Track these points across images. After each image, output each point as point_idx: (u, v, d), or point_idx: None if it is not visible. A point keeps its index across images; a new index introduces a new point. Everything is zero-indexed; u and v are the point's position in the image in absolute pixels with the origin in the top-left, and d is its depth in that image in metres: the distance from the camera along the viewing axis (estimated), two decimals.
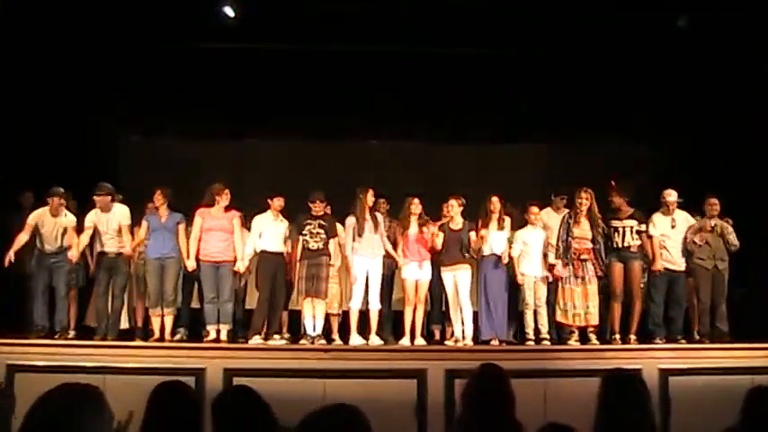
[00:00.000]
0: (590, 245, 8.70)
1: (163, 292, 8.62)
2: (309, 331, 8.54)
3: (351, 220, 8.82)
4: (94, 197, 8.59)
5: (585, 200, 8.72)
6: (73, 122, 10.46)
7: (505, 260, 8.79)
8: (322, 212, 8.78)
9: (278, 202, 8.93)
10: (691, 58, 10.19)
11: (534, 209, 9.05)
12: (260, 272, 9.06)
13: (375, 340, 8.71)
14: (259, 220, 8.94)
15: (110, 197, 8.64)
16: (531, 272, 8.97)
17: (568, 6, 9.59)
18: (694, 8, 9.62)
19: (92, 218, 8.63)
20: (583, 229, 8.73)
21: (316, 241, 8.67)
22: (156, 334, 8.60)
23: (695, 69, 10.33)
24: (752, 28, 9.47)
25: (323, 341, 8.53)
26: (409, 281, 8.90)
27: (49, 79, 9.99)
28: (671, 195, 9.00)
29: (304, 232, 8.68)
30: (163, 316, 8.62)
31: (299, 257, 8.70)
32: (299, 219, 8.81)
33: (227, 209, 8.71)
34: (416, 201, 8.99)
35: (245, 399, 3.19)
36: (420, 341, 8.85)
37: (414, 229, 8.94)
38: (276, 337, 8.69)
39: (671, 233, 8.96)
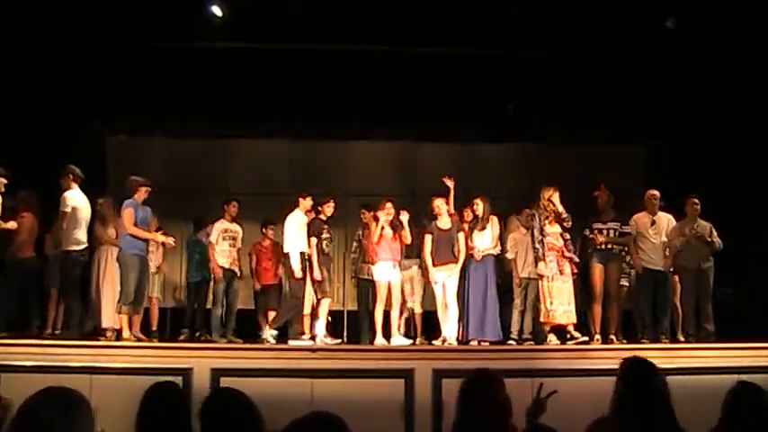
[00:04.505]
0: (562, 241, 8.73)
1: (142, 288, 8.46)
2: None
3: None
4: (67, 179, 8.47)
5: (556, 197, 8.77)
6: (59, 121, 10.38)
7: (478, 257, 8.82)
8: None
9: (309, 202, 9.00)
10: (681, 58, 10.21)
11: (527, 210, 9.27)
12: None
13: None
14: (295, 221, 8.92)
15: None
16: (523, 273, 9.16)
17: (557, 6, 9.60)
18: (685, 9, 9.64)
19: (71, 202, 8.44)
20: (555, 227, 8.77)
21: (327, 245, 8.94)
22: (126, 333, 8.28)
23: (685, 70, 10.34)
24: (744, 29, 9.49)
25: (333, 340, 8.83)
26: (382, 282, 8.93)
27: (34, 78, 9.92)
28: (654, 197, 9.01)
29: (324, 236, 8.83)
30: (132, 315, 8.44)
31: (318, 261, 8.75)
32: (313, 223, 8.88)
33: None
34: (389, 204, 9.06)
35: (231, 401, 3.15)
36: (400, 340, 8.85)
37: (387, 230, 9.00)
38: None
39: (651, 234, 8.97)
